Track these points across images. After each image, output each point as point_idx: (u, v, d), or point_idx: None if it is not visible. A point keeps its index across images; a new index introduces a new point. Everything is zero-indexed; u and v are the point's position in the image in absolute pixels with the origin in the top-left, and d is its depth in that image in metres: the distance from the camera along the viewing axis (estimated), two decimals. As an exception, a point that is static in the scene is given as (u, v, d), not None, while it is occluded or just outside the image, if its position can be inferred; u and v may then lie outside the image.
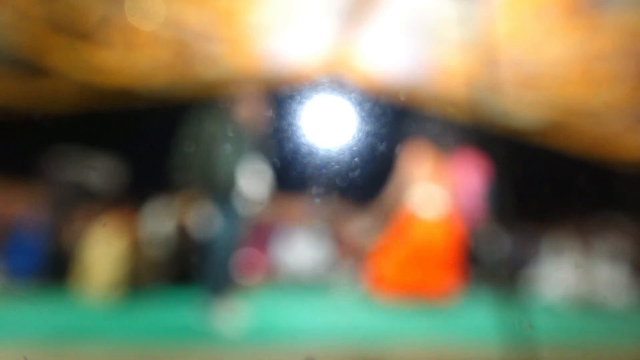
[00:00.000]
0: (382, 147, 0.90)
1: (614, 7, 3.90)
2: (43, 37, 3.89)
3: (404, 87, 4.67)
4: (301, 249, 5.34)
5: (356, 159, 0.91)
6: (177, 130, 2.97)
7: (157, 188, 4.36)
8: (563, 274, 4.85)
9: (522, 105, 4.84)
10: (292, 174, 0.91)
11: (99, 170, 4.51)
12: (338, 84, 0.99)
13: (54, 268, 4.01)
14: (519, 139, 4.89)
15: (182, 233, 4.26)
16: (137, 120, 4.53)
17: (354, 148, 0.91)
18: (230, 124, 3.01)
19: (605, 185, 5.09)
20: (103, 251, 3.85)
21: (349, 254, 5.22)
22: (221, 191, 2.91)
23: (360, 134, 0.91)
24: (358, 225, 5.45)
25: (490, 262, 3.60)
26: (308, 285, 5.06)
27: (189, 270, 3.83)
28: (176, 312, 3.33)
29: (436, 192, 3.81)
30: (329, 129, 0.93)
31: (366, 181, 0.93)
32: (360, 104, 0.94)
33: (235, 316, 2.80)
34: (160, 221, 4.35)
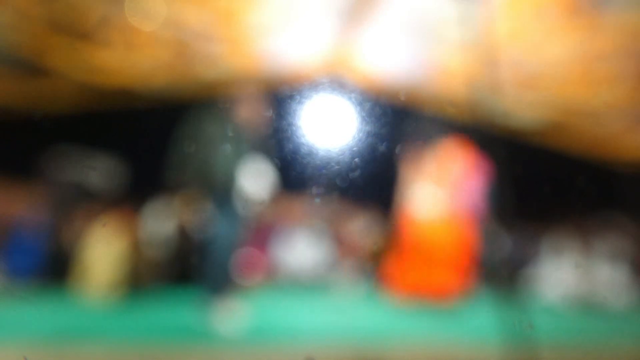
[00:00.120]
0: (382, 147, 0.90)
1: (614, 7, 3.90)
2: (43, 37, 3.89)
3: (404, 87, 4.67)
4: (301, 249, 5.34)
5: (356, 159, 0.91)
6: (176, 130, 2.97)
7: (157, 188, 4.36)
8: (563, 274, 4.86)
9: (522, 105, 4.84)
10: (292, 174, 0.91)
11: (99, 170, 4.51)
12: (338, 84, 0.99)
13: (54, 268, 4.01)
14: (519, 139, 4.89)
15: (182, 233, 4.26)
16: (137, 120, 4.53)
17: (354, 148, 0.91)
18: (230, 124, 3.00)
19: (605, 185, 5.09)
20: (103, 251, 3.85)
21: (349, 254, 5.22)
22: (221, 191, 2.91)
23: (360, 134, 0.91)
24: (358, 225, 5.45)
25: (490, 262, 3.60)
26: (308, 285, 5.06)
27: (189, 270, 3.83)
28: (176, 312, 3.33)
29: (439, 192, 3.81)
30: (329, 129, 0.93)
31: (366, 181, 0.93)
32: (360, 104, 0.94)
33: (235, 316, 2.80)
34: (160, 221, 4.35)
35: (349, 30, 4.30)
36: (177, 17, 4.06)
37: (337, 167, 0.91)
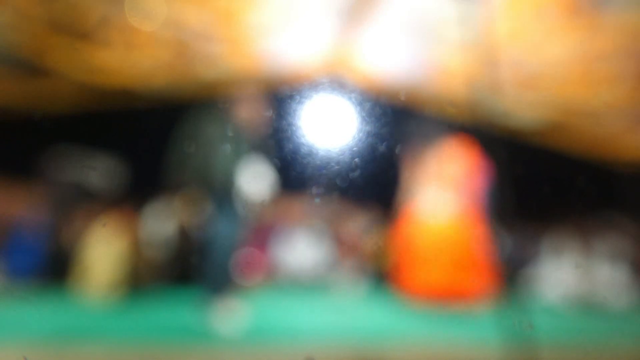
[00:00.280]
0: (382, 147, 0.90)
1: (614, 7, 3.90)
2: (43, 37, 3.89)
3: (404, 87, 4.66)
4: (301, 249, 5.34)
5: (356, 159, 0.91)
6: (176, 130, 2.97)
7: (157, 188, 4.36)
8: (563, 274, 4.85)
9: (522, 105, 4.84)
10: (292, 174, 0.91)
11: (99, 170, 4.51)
12: (338, 84, 0.99)
13: (54, 268, 4.01)
14: (519, 139, 4.89)
15: (182, 233, 4.26)
16: (137, 120, 4.52)
17: (354, 148, 0.91)
18: (230, 124, 3.00)
19: (605, 185, 5.09)
20: (103, 251, 3.85)
21: (349, 254, 5.22)
22: (220, 191, 2.91)
23: (360, 134, 0.91)
24: (358, 225, 5.45)
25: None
26: (308, 285, 5.06)
27: (189, 270, 3.83)
28: (176, 312, 3.33)
29: (441, 193, 3.81)
30: (329, 129, 0.93)
31: (366, 181, 0.93)
32: (360, 104, 0.94)
33: (235, 316, 2.80)
34: (160, 221, 4.35)
35: (349, 30, 4.30)
36: (177, 17, 4.06)
37: (337, 167, 0.91)
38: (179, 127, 2.96)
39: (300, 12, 4.17)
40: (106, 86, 4.30)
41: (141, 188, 4.60)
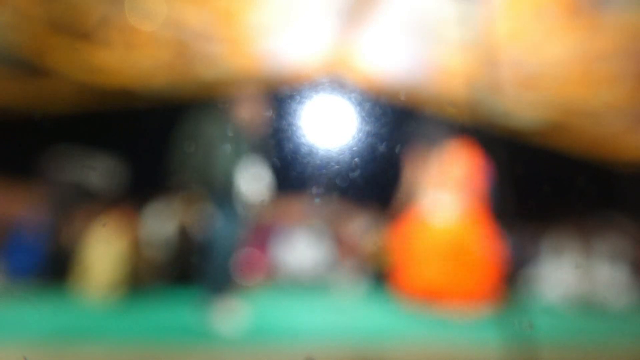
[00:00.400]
0: (382, 147, 0.90)
1: (614, 7, 3.90)
2: (43, 37, 3.89)
3: (404, 87, 4.66)
4: (301, 249, 5.34)
5: (356, 159, 0.91)
6: (176, 130, 2.97)
7: (157, 188, 4.36)
8: (563, 274, 4.85)
9: (522, 106, 4.84)
10: (292, 174, 0.91)
11: (99, 170, 4.51)
12: (338, 84, 0.99)
13: (54, 268, 4.01)
14: (519, 139, 4.89)
15: (182, 233, 4.26)
16: (137, 120, 4.53)
17: (354, 148, 0.91)
18: (230, 124, 3.01)
19: (605, 185, 5.09)
20: (103, 251, 3.84)
21: (349, 254, 5.22)
22: (220, 191, 2.91)
23: (360, 134, 0.91)
24: (358, 225, 5.45)
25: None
26: (308, 285, 5.06)
27: (189, 270, 3.83)
28: (176, 312, 3.33)
29: (444, 194, 3.81)
30: (328, 129, 0.93)
31: (366, 181, 0.93)
32: (360, 104, 0.94)
33: (235, 316, 2.80)
34: (160, 221, 4.35)
35: (349, 30, 4.30)
36: (177, 17, 4.06)
37: (336, 167, 0.91)
38: (179, 127, 2.96)
39: (300, 12, 4.17)
40: (106, 86, 4.30)
41: (141, 188, 4.60)
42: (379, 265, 4.76)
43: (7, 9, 3.76)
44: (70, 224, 4.29)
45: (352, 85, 0.97)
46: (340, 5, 4.04)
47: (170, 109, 4.60)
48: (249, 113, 2.92)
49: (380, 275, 4.59)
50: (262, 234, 5.18)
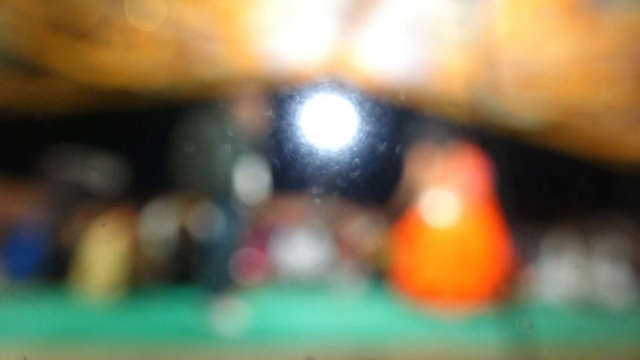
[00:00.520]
0: (382, 147, 0.90)
1: (614, 7, 3.90)
2: (43, 37, 3.89)
3: (404, 87, 4.66)
4: (301, 249, 5.34)
5: (356, 159, 0.91)
6: (176, 130, 2.97)
7: (157, 188, 4.36)
8: (563, 274, 4.85)
9: (522, 105, 4.84)
10: (292, 174, 0.91)
11: (99, 170, 4.51)
12: (338, 84, 0.99)
13: (54, 268, 4.01)
14: (519, 139, 4.89)
15: (183, 233, 4.26)
16: (137, 120, 4.53)
17: (354, 148, 0.91)
18: (230, 124, 3.01)
19: (605, 185, 5.09)
20: (103, 251, 3.84)
21: (349, 254, 5.22)
22: (220, 191, 2.91)
23: (360, 134, 0.91)
24: (358, 225, 5.45)
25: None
26: (308, 285, 5.06)
27: (189, 270, 3.83)
28: (176, 312, 3.33)
29: (444, 194, 3.81)
30: (328, 129, 0.93)
31: (366, 181, 0.93)
32: (360, 104, 0.94)
33: (235, 316, 2.80)
34: (160, 221, 4.36)
35: (349, 30, 4.30)
36: (177, 17, 4.06)
37: (336, 167, 0.91)
38: (179, 127, 2.96)
39: (300, 12, 4.17)
40: (106, 86, 4.30)
41: (141, 188, 4.60)
42: (379, 265, 4.76)
43: (7, 9, 3.76)
44: (70, 224, 4.29)
45: (352, 85, 0.97)
46: (340, 5, 4.04)
47: (170, 109, 4.60)
48: (249, 113, 2.92)
49: (380, 275, 4.59)
50: (262, 234, 5.18)
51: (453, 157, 3.90)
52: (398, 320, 3.39)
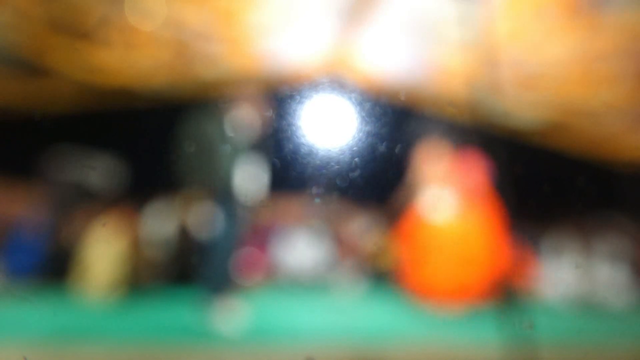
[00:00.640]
0: (382, 147, 0.91)
1: (614, 7, 3.90)
2: (43, 37, 3.89)
3: (404, 87, 4.66)
4: (301, 249, 5.34)
5: (356, 159, 0.91)
6: (176, 130, 2.97)
7: (157, 188, 4.36)
8: (563, 274, 4.85)
9: (522, 105, 4.84)
10: (292, 173, 0.91)
11: (99, 170, 4.51)
12: (338, 84, 0.99)
13: (54, 268, 4.01)
14: (519, 139, 4.89)
15: (183, 233, 4.26)
16: (137, 120, 4.52)
17: (354, 148, 0.91)
18: (230, 124, 3.01)
19: (605, 185, 5.08)
20: (103, 251, 3.85)
21: (349, 254, 5.22)
22: (220, 191, 2.91)
23: (360, 134, 0.91)
24: (358, 225, 5.45)
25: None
26: (308, 285, 5.06)
27: (189, 270, 3.83)
28: (176, 312, 3.33)
29: (444, 194, 3.81)
30: (328, 129, 0.93)
31: (366, 181, 0.93)
32: (360, 104, 0.94)
33: (235, 316, 2.80)
34: (160, 221, 4.35)
35: (349, 30, 4.30)
36: (177, 17, 4.06)
37: (337, 167, 0.91)
38: (179, 127, 2.96)
39: (300, 12, 4.17)
40: (106, 86, 4.30)
41: (141, 188, 4.60)
42: (379, 265, 4.76)
43: (7, 9, 3.76)
44: (70, 224, 4.29)
45: (352, 85, 0.97)
46: (340, 5, 4.04)
47: (170, 109, 4.60)
48: (249, 113, 2.92)
49: (380, 275, 4.59)
50: (262, 234, 5.18)
51: (453, 157, 3.90)
52: (398, 320, 3.39)
